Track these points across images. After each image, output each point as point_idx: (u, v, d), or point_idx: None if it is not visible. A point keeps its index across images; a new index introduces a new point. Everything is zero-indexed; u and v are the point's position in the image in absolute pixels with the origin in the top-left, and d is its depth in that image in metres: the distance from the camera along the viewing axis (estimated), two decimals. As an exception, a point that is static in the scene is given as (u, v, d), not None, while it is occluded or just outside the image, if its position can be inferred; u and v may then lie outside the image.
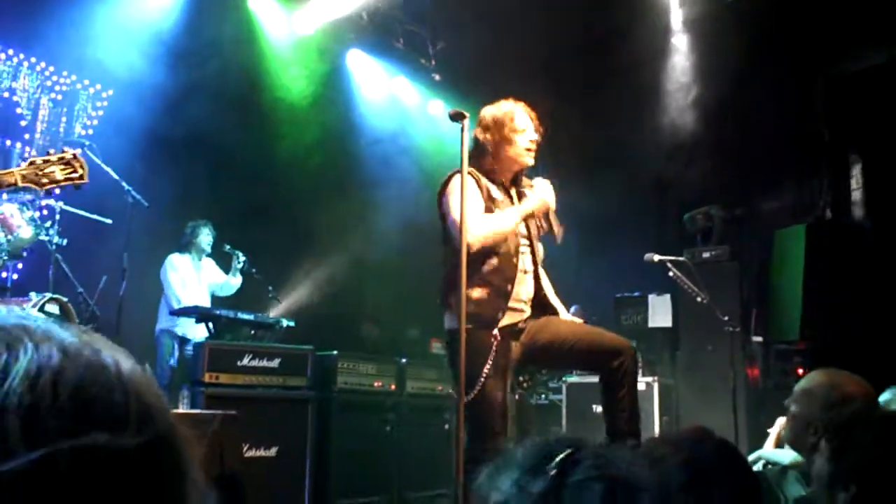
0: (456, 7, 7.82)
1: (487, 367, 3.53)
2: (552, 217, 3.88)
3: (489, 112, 3.82)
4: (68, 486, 0.54)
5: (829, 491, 1.73)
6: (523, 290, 3.72)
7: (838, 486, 1.70)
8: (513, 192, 3.87)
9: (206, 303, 6.41)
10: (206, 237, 6.62)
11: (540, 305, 3.81)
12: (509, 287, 3.65)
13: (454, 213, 3.56)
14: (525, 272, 3.74)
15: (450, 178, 3.71)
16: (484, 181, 3.74)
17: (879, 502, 1.65)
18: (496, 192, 3.76)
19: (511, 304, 3.65)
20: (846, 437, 1.80)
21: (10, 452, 0.52)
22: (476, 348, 3.50)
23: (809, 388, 2.62)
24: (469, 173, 3.63)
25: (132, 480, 0.57)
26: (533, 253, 3.80)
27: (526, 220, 3.78)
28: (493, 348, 3.56)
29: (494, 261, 3.65)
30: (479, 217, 3.61)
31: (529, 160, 3.83)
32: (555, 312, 3.92)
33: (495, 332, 3.58)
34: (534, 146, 3.81)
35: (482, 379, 3.52)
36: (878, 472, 1.66)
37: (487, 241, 3.58)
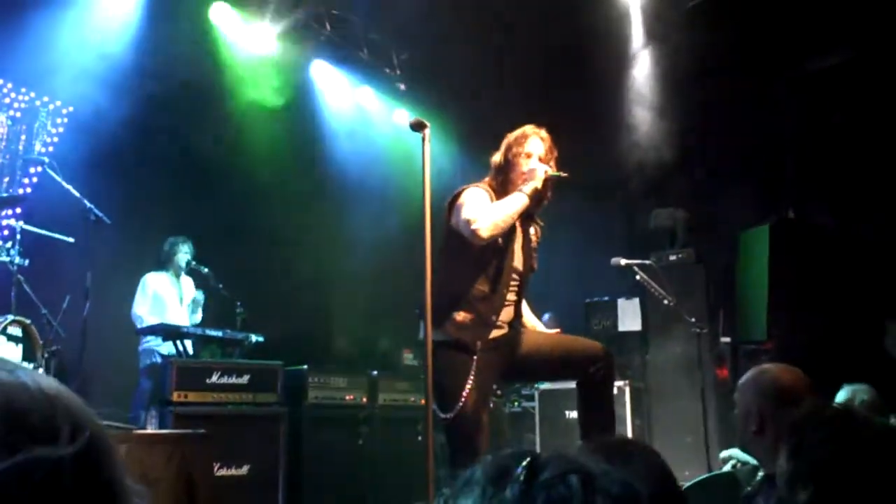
0: (420, 17, 7.82)
1: (469, 382, 3.54)
2: (551, 176, 3.81)
3: (509, 135, 3.84)
4: (16, 501, 0.56)
5: (790, 490, 1.75)
6: (505, 316, 3.77)
7: (798, 486, 1.72)
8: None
9: (188, 321, 6.31)
10: (183, 255, 6.47)
11: (516, 328, 3.86)
12: (494, 318, 3.70)
13: (468, 213, 3.59)
14: (510, 303, 3.78)
15: (462, 190, 3.76)
16: (494, 199, 3.76)
17: (837, 501, 1.67)
18: None
19: (492, 331, 3.71)
20: (800, 435, 1.82)
21: None
22: (457, 366, 3.55)
23: (744, 380, 2.73)
24: (484, 186, 3.75)
25: (72, 488, 0.60)
26: (519, 287, 3.84)
27: (523, 254, 3.80)
28: (474, 365, 3.58)
29: (484, 287, 3.68)
30: (487, 210, 3.64)
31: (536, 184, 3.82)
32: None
33: (476, 348, 3.62)
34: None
35: (463, 397, 3.53)
36: (834, 471, 1.69)
37: (498, 229, 3.60)
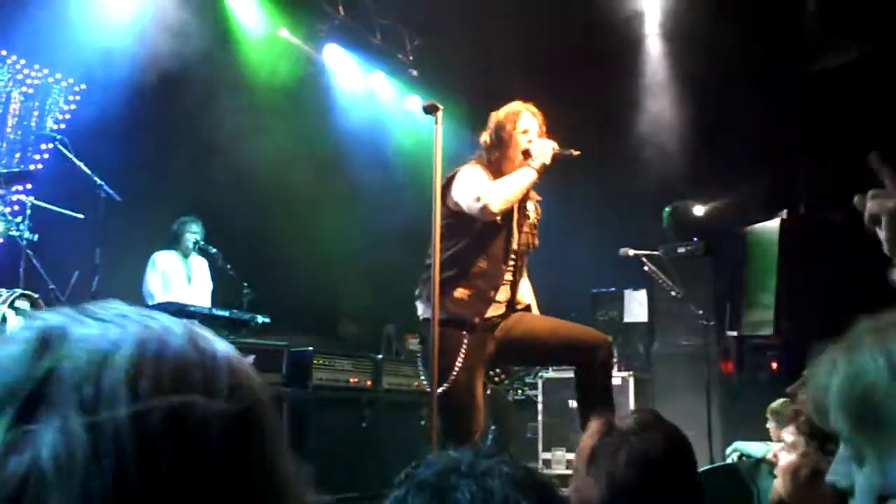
0: (432, 3, 7.80)
1: (459, 361, 3.55)
2: (560, 153, 3.80)
3: (496, 113, 3.83)
4: (160, 441, 0.57)
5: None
6: (502, 295, 3.77)
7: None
8: None
9: (199, 302, 6.22)
10: (191, 234, 6.41)
11: (513, 308, 3.86)
12: (492, 293, 3.70)
13: (475, 190, 3.59)
14: (507, 282, 3.78)
15: (456, 172, 3.76)
16: (490, 177, 3.75)
17: None
18: None
19: (491, 307, 3.72)
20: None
21: (113, 403, 0.57)
22: (449, 343, 3.53)
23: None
24: (478, 165, 3.74)
25: (222, 443, 0.60)
26: (516, 266, 3.84)
27: (518, 231, 3.80)
28: (465, 342, 3.58)
29: (483, 264, 3.69)
30: (495, 183, 3.64)
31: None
32: (528, 310, 3.96)
33: (469, 325, 3.63)
34: None
35: (454, 373, 3.53)
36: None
37: (508, 203, 3.63)
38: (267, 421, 0.65)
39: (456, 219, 3.68)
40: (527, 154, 3.75)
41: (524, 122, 3.80)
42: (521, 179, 3.66)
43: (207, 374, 0.63)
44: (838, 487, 0.97)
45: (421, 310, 3.77)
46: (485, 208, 3.53)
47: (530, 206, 3.92)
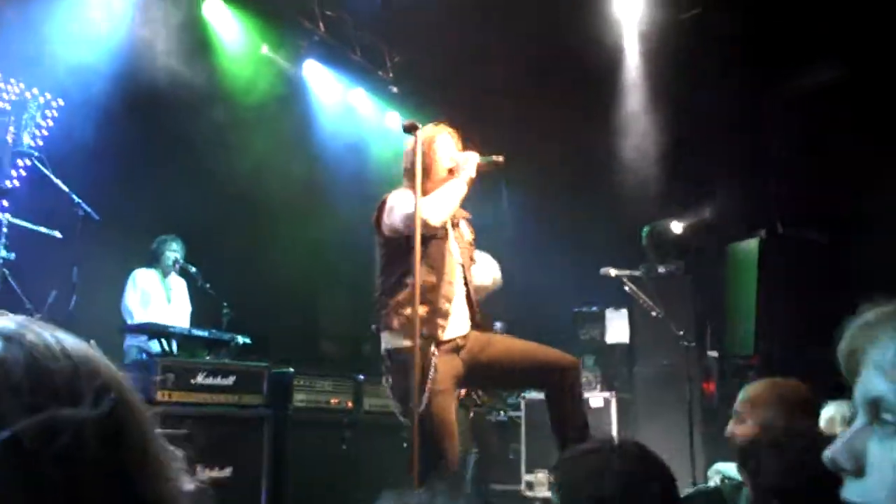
0: (412, 20, 7.81)
1: (429, 382, 3.53)
2: (484, 163, 3.83)
3: (408, 141, 3.82)
4: (37, 462, 0.56)
5: None
6: (461, 312, 3.78)
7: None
8: None
9: (178, 322, 6.19)
10: (171, 253, 6.37)
11: (475, 325, 3.85)
12: (447, 305, 3.70)
13: (406, 209, 3.61)
14: (461, 296, 3.79)
15: (384, 199, 3.79)
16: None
17: None
18: None
19: (450, 321, 3.71)
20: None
21: None
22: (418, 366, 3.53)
23: (759, 392, 2.67)
24: (406, 189, 3.76)
25: (97, 451, 0.59)
26: (465, 278, 3.85)
27: (460, 246, 3.82)
28: (434, 363, 3.58)
29: (433, 279, 3.71)
30: (428, 198, 3.66)
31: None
32: (490, 330, 3.96)
33: (433, 348, 3.62)
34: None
35: (427, 395, 3.53)
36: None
37: (446, 213, 3.66)
38: (134, 411, 0.66)
39: (393, 245, 3.73)
40: (452, 171, 3.78)
41: (441, 143, 3.83)
42: (451, 191, 3.70)
43: (64, 376, 0.62)
44: (839, 466, 0.94)
45: (385, 342, 3.75)
46: (424, 223, 3.54)
47: (463, 224, 3.96)
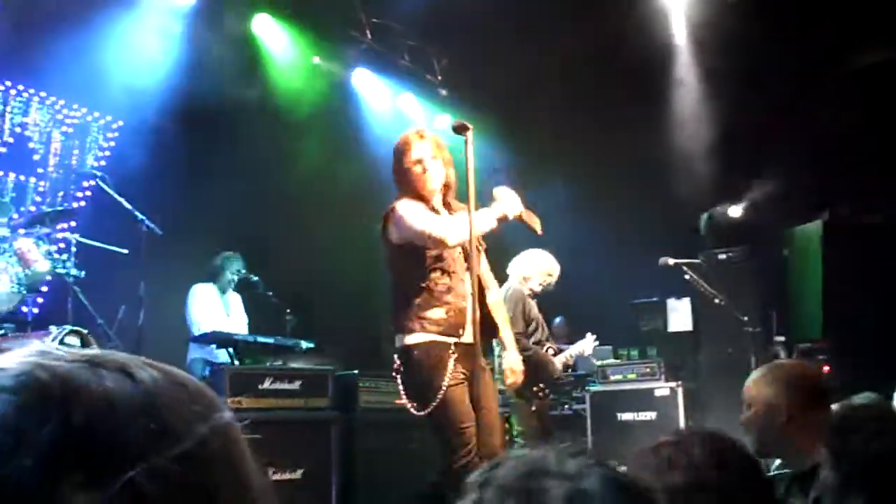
0: (459, 22, 7.84)
1: (446, 378, 3.59)
2: (525, 216, 3.85)
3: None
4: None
5: (842, 499, 1.68)
6: (473, 313, 3.72)
7: (851, 493, 1.66)
8: (444, 213, 3.92)
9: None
10: (232, 273, 6.48)
11: (486, 325, 3.79)
12: (464, 303, 3.72)
13: (425, 223, 3.64)
14: (473, 297, 3.71)
15: (392, 208, 3.79)
16: (425, 206, 3.82)
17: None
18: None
19: (466, 322, 3.71)
20: (842, 439, 1.75)
21: (96, 481, 0.56)
22: (434, 361, 3.62)
23: (764, 373, 2.62)
24: (407, 198, 3.78)
25: (197, 483, 0.60)
26: (474, 283, 3.78)
27: (466, 247, 3.77)
28: (452, 359, 3.63)
29: (446, 280, 3.74)
30: (452, 218, 3.72)
31: (431, 186, 3.82)
32: (494, 328, 3.93)
33: (451, 348, 3.65)
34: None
35: (443, 390, 3.58)
36: (887, 469, 1.63)
37: (464, 240, 3.65)
38: (234, 441, 0.66)
39: (403, 251, 3.75)
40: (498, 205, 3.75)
41: (416, 151, 3.81)
42: (481, 222, 3.66)
43: (193, 398, 0.64)
44: None
45: (398, 341, 3.79)
46: (440, 241, 3.59)
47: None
